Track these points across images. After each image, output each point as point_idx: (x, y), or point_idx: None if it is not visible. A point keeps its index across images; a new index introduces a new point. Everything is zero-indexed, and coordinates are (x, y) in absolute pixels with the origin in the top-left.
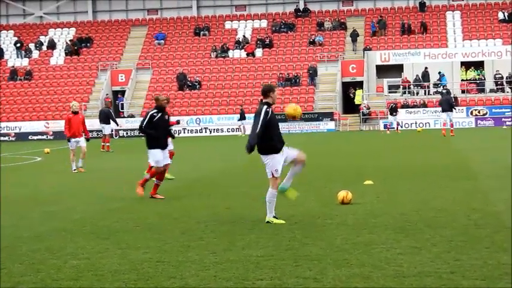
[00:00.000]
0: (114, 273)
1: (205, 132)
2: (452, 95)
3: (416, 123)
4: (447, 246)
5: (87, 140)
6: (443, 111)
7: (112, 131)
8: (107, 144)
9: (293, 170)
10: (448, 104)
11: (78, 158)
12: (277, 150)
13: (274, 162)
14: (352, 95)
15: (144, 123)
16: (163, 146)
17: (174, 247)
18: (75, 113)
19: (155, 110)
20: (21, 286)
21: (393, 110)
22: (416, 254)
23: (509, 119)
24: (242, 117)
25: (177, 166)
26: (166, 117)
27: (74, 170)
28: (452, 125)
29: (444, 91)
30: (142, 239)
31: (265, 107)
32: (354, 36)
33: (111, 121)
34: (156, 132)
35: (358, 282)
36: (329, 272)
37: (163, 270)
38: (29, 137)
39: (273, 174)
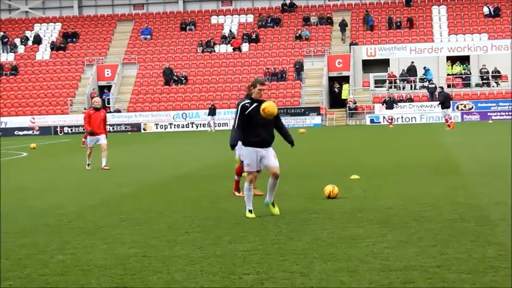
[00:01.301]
0: (100, 268)
1: (192, 127)
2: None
3: (402, 117)
4: (433, 240)
5: (106, 137)
6: (444, 107)
7: None
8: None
9: (269, 185)
10: (448, 99)
11: (89, 155)
12: (249, 143)
13: (246, 154)
14: (336, 90)
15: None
16: None
17: (160, 242)
18: (97, 109)
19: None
20: (7, 282)
21: (392, 104)
22: (402, 248)
23: (495, 114)
24: (212, 113)
25: (162, 161)
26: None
27: (88, 165)
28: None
29: (439, 88)
30: (128, 234)
31: (244, 101)
32: (343, 26)
33: None
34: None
35: (344, 276)
36: (315, 266)
37: (150, 265)
38: (15, 132)
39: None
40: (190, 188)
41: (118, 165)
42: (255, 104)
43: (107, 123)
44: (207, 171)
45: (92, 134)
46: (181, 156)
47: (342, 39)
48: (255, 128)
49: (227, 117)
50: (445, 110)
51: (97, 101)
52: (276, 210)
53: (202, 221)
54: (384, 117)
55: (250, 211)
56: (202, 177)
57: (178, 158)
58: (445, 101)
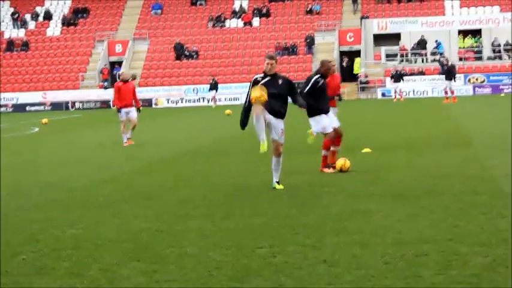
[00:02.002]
0: (112, 242)
1: (203, 101)
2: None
3: (414, 91)
4: (445, 213)
5: (139, 110)
6: (449, 79)
7: None
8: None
9: (273, 165)
10: (451, 72)
11: (124, 130)
12: (270, 112)
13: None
14: (344, 65)
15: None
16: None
17: (172, 216)
18: (125, 81)
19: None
20: (21, 256)
21: (399, 77)
22: (414, 221)
23: (507, 87)
24: (213, 88)
25: (173, 136)
26: None
27: (125, 142)
28: (452, 92)
29: (445, 61)
30: (140, 209)
31: (257, 76)
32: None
33: None
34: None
35: (356, 249)
36: (328, 239)
37: (162, 239)
38: (27, 108)
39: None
40: (202, 163)
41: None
42: (267, 78)
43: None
44: (218, 145)
45: (119, 111)
46: (192, 131)
47: (354, 12)
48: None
49: (239, 92)
50: (448, 81)
51: (125, 73)
52: (280, 186)
53: (214, 195)
54: (395, 90)
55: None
56: (213, 151)
57: (189, 132)
58: (448, 73)
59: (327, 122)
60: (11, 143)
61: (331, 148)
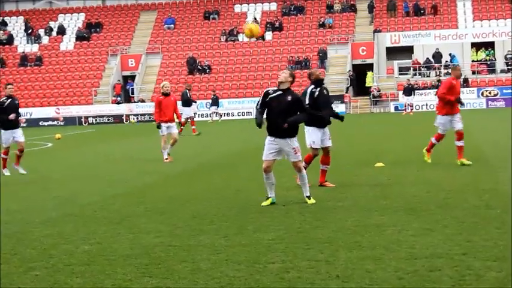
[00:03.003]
0: (125, 257)
1: (216, 116)
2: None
3: (427, 105)
4: (458, 227)
5: (180, 124)
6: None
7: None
8: (193, 127)
9: (299, 181)
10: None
11: (164, 146)
12: (269, 132)
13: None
14: (350, 78)
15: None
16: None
17: (185, 231)
18: (166, 94)
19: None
20: (34, 271)
21: (410, 91)
22: (427, 236)
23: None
24: (214, 103)
25: (187, 150)
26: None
27: (166, 159)
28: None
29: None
30: (153, 223)
31: (268, 88)
32: (370, 8)
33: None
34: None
35: (369, 264)
36: (341, 254)
37: (175, 254)
38: (40, 123)
39: None
40: (214, 177)
41: (142, 154)
42: (277, 92)
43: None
44: (229, 159)
45: (159, 126)
46: (205, 145)
47: (370, 22)
48: (273, 115)
49: (251, 106)
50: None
51: (166, 85)
52: (311, 201)
53: (227, 210)
54: (406, 104)
55: (267, 198)
56: (225, 166)
57: (201, 146)
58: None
59: (318, 137)
60: (24, 158)
61: (321, 167)
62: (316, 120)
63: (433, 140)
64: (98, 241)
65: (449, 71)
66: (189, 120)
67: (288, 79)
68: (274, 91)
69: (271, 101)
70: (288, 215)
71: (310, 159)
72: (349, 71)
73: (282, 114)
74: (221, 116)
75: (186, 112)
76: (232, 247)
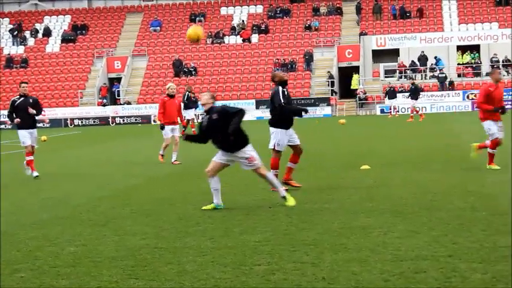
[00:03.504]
0: (111, 259)
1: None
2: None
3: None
4: (444, 229)
5: (184, 127)
6: (414, 98)
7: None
8: (193, 129)
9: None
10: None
11: (165, 147)
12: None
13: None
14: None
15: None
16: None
17: (171, 233)
18: (172, 96)
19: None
20: (19, 273)
21: (393, 94)
22: (413, 238)
23: (506, 103)
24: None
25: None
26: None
27: (162, 156)
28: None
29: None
30: (139, 225)
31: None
32: (358, 9)
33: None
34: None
35: (355, 267)
36: (326, 256)
37: (161, 256)
38: None
39: None
40: (200, 179)
41: (128, 156)
42: (206, 117)
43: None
44: None
45: (162, 127)
46: (190, 147)
47: (358, 23)
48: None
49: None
50: (414, 101)
51: (172, 87)
52: (289, 203)
53: (213, 212)
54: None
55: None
56: None
57: (187, 149)
58: (414, 93)
59: (284, 139)
60: (10, 160)
61: (288, 164)
62: (281, 121)
63: (489, 150)
64: (84, 243)
65: (435, 73)
66: (190, 122)
67: (209, 101)
68: (203, 117)
69: (204, 128)
70: (274, 217)
71: (276, 163)
72: (328, 72)
73: (218, 133)
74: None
75: (187, 114)
76: (218, 249)
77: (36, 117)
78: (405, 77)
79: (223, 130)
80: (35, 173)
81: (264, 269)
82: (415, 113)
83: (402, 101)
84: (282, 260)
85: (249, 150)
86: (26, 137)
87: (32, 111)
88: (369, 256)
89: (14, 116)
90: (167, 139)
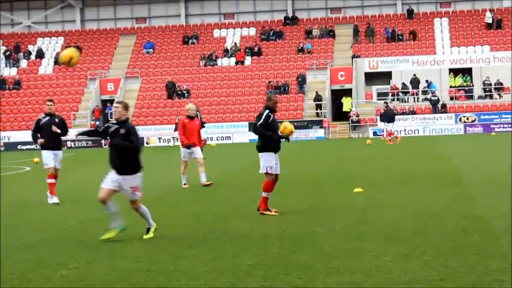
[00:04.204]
0: (104, 282)
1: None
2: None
3: (405, 130)
4: (436, 253)
5: (201, 149)
6: (383, 121)
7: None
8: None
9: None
10: (390, 115)
11: (183, 171)
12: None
13: None
14: (317, 101)
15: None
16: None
17: (163, 256)
18: (191, 118)
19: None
20: None
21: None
22: (406, 262)
23: (498, 126)
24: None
25: (165, 174)
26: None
27: (184, 184)
28: (392, 134)
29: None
30: (131, 248)
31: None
32: (355, 31)
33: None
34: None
35: None
36: (319, 279)
37: (154, 279)
38: (18, 147)
39: None
40: (193, 202)
41: None
42: (114, 127)
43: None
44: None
45: (188, 147)
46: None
47: (356, 42)
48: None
49: (230, 131)
50: (388, 124)
51: (192, 108)
52: (149, 235)
53: (206, 235)
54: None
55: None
56: (205, 190)
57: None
58: (386, 116)
59: (274, 163)
60: (2, 183)
61: (263, 194)
62: (268, 146)
63: None
64: (76, 266)
65: (427, 96)
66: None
67: (123, 113)
68: (111, 124)
69: (109, 134)
70: (267, 239)
71: (270, 186)
72: (316, 92)
73: (115, 149)
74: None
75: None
76: (211, 272)
77: (62, 138)
78: (398, 99)
79: (120, 148)
80: (55, 199)
81: None
82: (392, 136)
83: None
84: (275, 283)
85: (137, 179)
86: (49, 158)
87: (56, 130)
88: (362, 279)
89: (39, 135)
90: (184, 162)
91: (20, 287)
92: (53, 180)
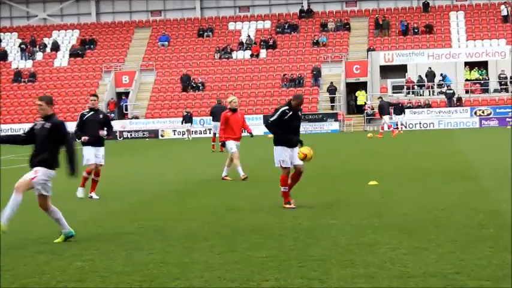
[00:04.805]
0: (118, 274)
1: (209, 133)
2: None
3: (420, 123)
4: (451, 246)
5: (251, 135)
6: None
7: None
8: (213, 143)
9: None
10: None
11: (229, 164)
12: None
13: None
14: (330, 90)
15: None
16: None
17: (178, 248)
18: (234, 110)
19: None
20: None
21: (400, 110)
22: (421, 254)
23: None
24: (188, 121)
25: (180, 168)
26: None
27: (226, 176)
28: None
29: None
30: (146, 241)
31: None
32: (378, 24)
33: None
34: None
35: (363, 283)
36: (334, 272)
37: (168, 271)
38: None
39: None
40: (208, 195)
41: (136, 172)
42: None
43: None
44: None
45: (224, 145)
46: (198, 162)
47: (380, 36)
48: None
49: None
50: (384, 117)
51: (235, 101)
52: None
53: (220, 228)
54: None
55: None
56: (220, 184)
57: (195, 164)
58: (383, 109)
59: (287, 156)
60: (16, 175)
61: (289, 182)
62: (281, 140)
63: None
64: (91, 258)
65: (442, 90)
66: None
67: (48, 108)
68: (38, 122)
69: (35, 133)
70: (281, 233)
71: (286, 179)
72: (331, 82)
73: (40, 144)
74: (191, 133)
75: (214, 127)
76: (225, 264)
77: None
78: (413, 93)
79: (45, 143)
80: (80, 192)
81: (271, 284)
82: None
83: (409, 117)
84: (289, 276)
85: (43, 173)
86: (91, 154)
87: (103, 133)
88: (377, 272)
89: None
90: (233, 153)
91: (35, 278)
92: (88, 176)
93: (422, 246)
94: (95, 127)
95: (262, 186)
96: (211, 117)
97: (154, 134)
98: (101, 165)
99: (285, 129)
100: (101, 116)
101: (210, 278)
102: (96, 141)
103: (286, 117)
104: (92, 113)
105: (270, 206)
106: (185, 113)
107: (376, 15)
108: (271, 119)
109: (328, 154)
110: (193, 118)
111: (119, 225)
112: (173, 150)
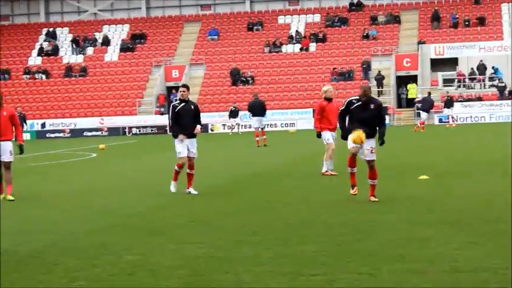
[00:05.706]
0: (168, 268)
1: (236, 128)
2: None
3: (471, 116)
4: (503, 241)
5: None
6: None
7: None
8: (263, 137)
9: None
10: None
11: (329, 156)
12: None
13: None
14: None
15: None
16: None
17: (228, 242)
18: (329, 100)
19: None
20: (77, 281)
21: (449, 103)
22: (472, 249)
23: None
24: (234, 115)
25: (231, 161)
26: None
27: (329, 170)
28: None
29: (426, 95)
30: (196, 234)
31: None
32: (435, 17)
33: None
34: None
35: (413, 278)
36: (383, 267)
37: (218, 265)
38: (84, 133)
39: None
40: (260, 189)
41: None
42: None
43: None
44: (278, 171)
45: (319, 136)
46: (250, 156)
47: (436, 28)
48: None
49: (294, 118)
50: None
51: (330, 90)
52: None
53: (270, 222)
54: (451, 117)
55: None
56: (273, 177)
57: (247, 158)
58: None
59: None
60: (69, 169)
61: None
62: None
63: None
64: (141, 252)
65: (494, 83)
66: (259, 130)
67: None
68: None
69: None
70: (331, 227)
71: (351, 160)
72: (379, 71)
73: None
74: (239, 127)
75: (255, 122)
76: (275, 259)
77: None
78: (464, 86)
79: None
80: (173, 187)
81: (321, 279)
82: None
83: (460, 110)
84: (339, 271)
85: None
86: (184, 147)
87: (198, 131)
88: (427, 267)
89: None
90: (330, 144)
91: (86, 272)
92: (180, 169)
93: (474, 241)
94: (188, 118)
95: (318, 180)
96: (250, 113)
97: (204, 128)
98: (193, 156)
99: (352, 120)
100: (192, 106)
101: (260, 273)
102: (190, 133)
103: (351, 107)
104: (183, 104)
105: (321, 201)
106: (233, 108)
107: (435, 7)
108: (341, 108)
109: (378, 148)
110: (242, 112)
111: (168, 219)
112: (224, 143)
